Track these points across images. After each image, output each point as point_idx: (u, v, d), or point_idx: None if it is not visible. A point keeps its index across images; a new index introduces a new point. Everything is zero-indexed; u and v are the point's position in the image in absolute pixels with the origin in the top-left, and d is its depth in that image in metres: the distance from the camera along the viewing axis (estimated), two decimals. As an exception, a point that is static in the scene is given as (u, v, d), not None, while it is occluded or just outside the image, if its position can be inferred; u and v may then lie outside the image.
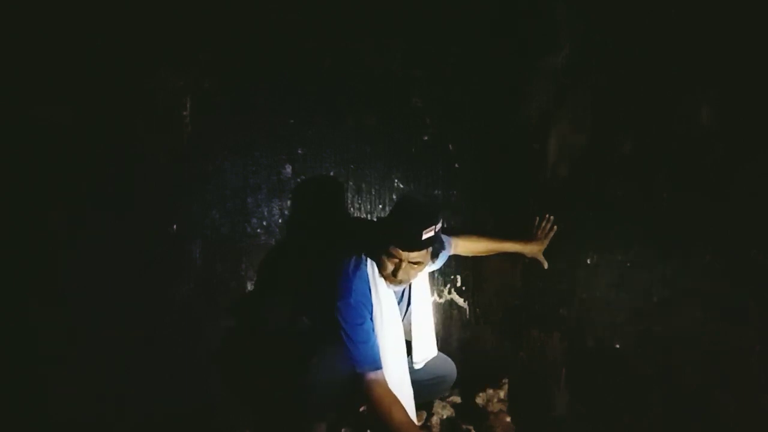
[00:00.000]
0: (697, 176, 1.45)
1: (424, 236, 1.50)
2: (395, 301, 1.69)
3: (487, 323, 2.38)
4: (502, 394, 2.14)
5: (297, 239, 2.07)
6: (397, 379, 1.64)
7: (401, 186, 2.25)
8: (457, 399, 2.16)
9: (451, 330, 2.42)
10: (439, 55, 2.29)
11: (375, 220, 2.19)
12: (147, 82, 1.81)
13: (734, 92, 1.36)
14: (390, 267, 1.58)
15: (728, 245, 1.38)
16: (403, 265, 1.56)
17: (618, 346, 1.71)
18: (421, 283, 1.82)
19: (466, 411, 2.11)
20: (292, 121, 2.04)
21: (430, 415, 2.03)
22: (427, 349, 1.85)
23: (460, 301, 2.43)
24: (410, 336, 1.82)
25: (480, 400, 2.10)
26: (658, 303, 1.58)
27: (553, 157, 1.99)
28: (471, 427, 1.99)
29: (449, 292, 2.41)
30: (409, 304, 1.83)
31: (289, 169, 2.05)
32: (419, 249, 1.53)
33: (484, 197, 2.37)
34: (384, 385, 1.58)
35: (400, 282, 1.62)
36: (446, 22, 2.28)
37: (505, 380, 2.19)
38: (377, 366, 1.59)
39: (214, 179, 1.94)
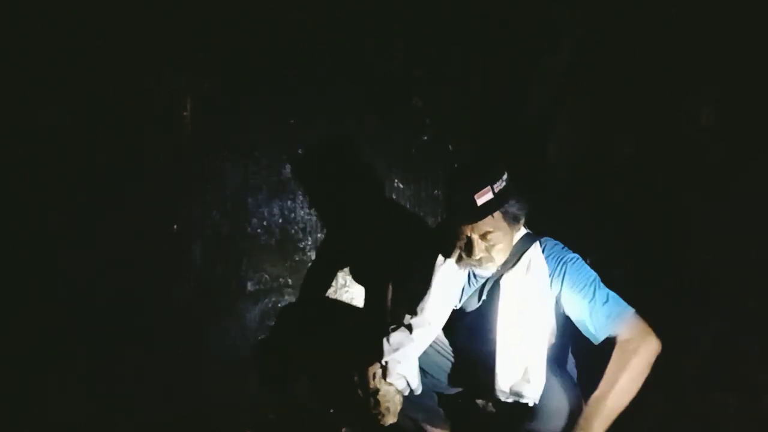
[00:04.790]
0: (697, 176, 1.45)
1: (479, 202, 1.28)
2: (459, 282, 1.48)
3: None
4: (502, 394, 2.14)
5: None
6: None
7: (401, 186, 2.25)
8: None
9: (451, 330, 2.42)
10: (439, 55, 2.29)
11: None
12: (147, 82, 1.81)
13: (734, 92, 1.36)
14: (461, 246, 1.39)
15: (728, 245, 1.38)
16: (475, 240, 1.34)
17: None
18: (518, 282, 1.40)
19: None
20: (292, 121, 2.04)
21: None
22: (515, 377, 1.38)
23: (460, 301, 2.43)
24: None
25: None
26: (657, 303, 1.58)
27: (553, 158, 1.99)
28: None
29: (449, 292, 2.41)
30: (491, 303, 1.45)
31: (289, 169, 2.05)
32: (476, 219, 1.30)
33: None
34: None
35: (480, 261, 1.38)
36: (447, 23, 2.28)
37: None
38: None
39: (214, 179, 1.93)
